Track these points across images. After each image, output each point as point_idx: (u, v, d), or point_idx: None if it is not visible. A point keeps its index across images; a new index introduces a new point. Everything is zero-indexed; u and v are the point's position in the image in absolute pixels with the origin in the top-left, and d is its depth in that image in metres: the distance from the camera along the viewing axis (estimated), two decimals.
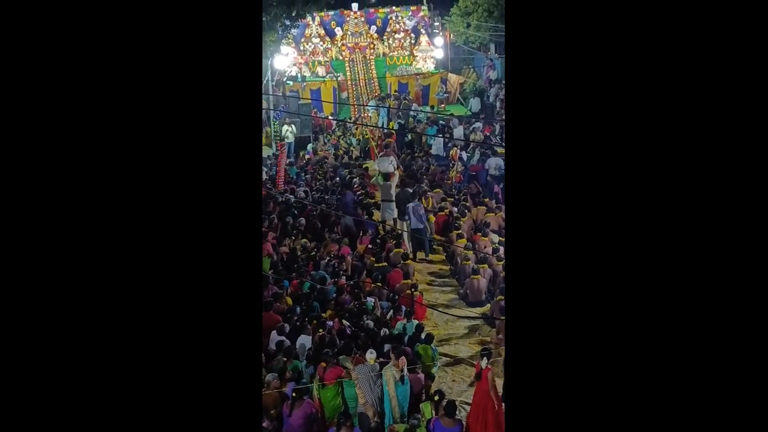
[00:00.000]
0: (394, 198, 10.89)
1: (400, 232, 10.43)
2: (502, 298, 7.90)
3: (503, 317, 7.14)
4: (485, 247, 9.78)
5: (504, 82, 18.96)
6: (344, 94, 21.72)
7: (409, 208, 10.54)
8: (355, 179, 13.12)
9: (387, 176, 10.93)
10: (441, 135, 15.73)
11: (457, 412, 6.13)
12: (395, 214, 10.85)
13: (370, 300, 8.16)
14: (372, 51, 23.41)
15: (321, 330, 7.06)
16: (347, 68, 22.60)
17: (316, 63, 22.74)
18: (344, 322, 7.38)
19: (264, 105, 16.22)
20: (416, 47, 23.29)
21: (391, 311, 7.98)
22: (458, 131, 16.08)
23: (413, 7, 23.87)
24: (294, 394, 5.97)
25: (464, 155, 14.34)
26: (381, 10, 23.85)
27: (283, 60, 19.45)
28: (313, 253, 9.68)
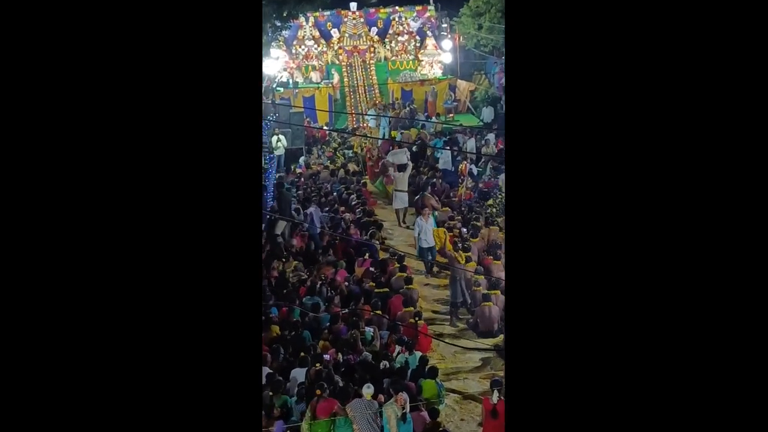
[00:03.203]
0: (407, 189, 12.95)
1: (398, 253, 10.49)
2: None
3: None
4: (497, 271, 9.83)
5: None
6: (338, 94, 21.89)
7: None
8: (352, 195, 13.22)
9: (402, 167, 13.28)
10: (449, 147, 15.85)
11: None
12: (407, 204, 12.93)
13: (369, 329, 8.18)
14: (372, 55, 23.67)
15: (318, 364, 7.08)
16: (345, 74, 22.83)
17: (310, 68, 22.99)
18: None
19: None
20: (421, 51, 23.56)
21: (401, 345, 7.93)
22: (469, 144, 16.21)
23: (418, 7, 24.20)
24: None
25: (475, 170, 14.44)
26: (382, 10, 24.18)
27: (273, 64, 19.68)
28: (305, 277, 9.73)
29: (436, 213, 11.76)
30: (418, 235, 10.96)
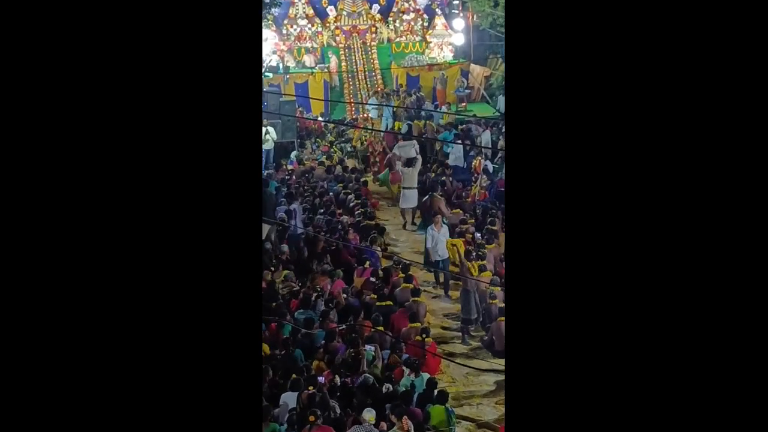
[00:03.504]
0: (416, 185, 13.20)
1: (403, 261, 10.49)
2: None
3: None
4: None
5: None
6: (335, 79, 21.86)
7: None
8: (350, 195, 13.22)
9: (410, 162, 13.47)
10: (461, 141, 15.84)
11: None
12: (416, 203, 13.14)
13: (370, 348, 8.18)
14: (374, 36, 23.68)
15: (311, 387, 7.09)
16: (342, 57, 22.83)
17: (303, 51, 23.01)
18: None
19: None
20: (430, 31, 23.57)
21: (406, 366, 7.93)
22: (484, 137, 16.19)
23: None
24: None
25: (490, 166, 14.43)
26: None
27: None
28: (297, 288, 9.74)
29: (446, 219, 11.75)
30: (431, 247, 10.96)
